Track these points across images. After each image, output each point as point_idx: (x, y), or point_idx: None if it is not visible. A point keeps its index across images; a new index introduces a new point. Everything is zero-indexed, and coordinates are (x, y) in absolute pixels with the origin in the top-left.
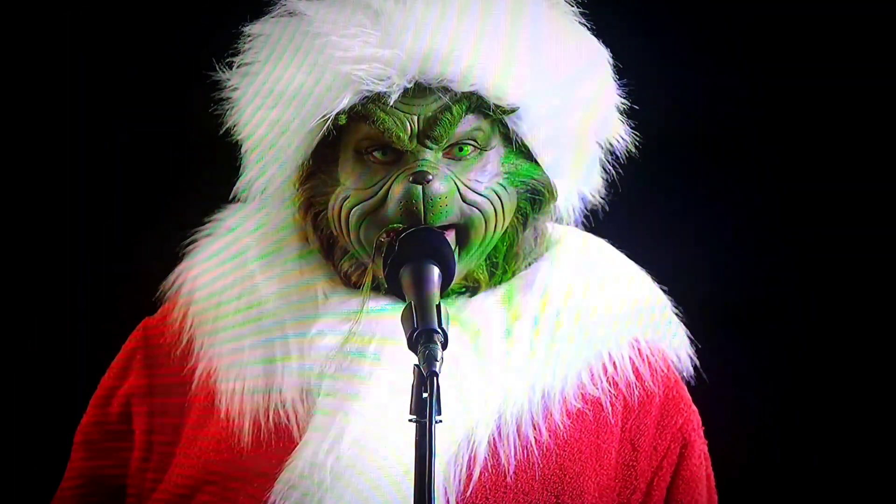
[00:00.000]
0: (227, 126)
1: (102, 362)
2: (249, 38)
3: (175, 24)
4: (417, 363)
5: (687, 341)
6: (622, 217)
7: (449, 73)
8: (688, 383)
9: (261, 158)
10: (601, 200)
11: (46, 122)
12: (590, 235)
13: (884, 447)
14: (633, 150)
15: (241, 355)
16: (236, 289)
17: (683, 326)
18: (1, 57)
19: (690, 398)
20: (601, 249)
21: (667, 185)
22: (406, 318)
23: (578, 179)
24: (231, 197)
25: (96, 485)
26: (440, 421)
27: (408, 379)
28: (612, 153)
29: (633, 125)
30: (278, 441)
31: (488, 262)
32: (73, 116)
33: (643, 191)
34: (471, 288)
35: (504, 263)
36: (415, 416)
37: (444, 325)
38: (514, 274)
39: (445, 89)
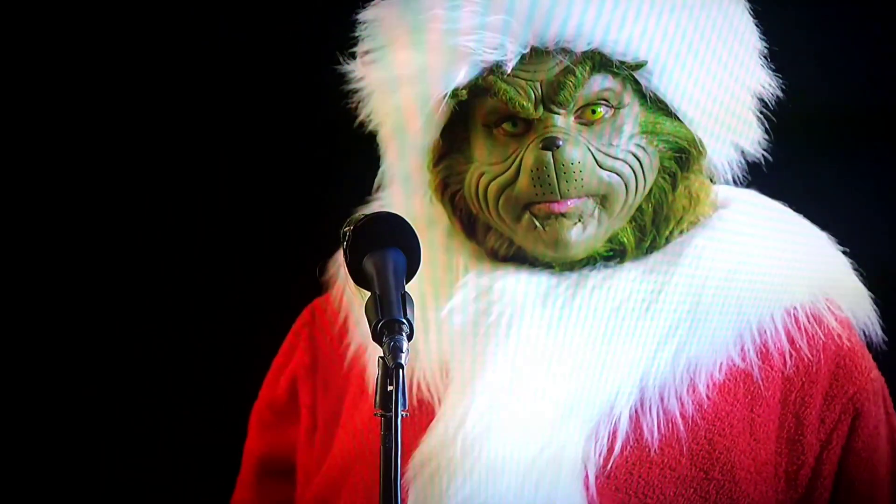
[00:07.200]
0: (361, 118)
1: (275, 346)
2: (364, 26)
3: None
4: (382, 355)
5: (870, 306)
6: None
7: (564, 33)
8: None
9: (395, 145)
10: (765, 154)
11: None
12: (764, 199)
13: None
14: (784, 98)
15: None
16: None
17: (867, 291)
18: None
19: (871, 366)
20: (773, 213)
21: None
22: (370, 309)
23: (731, 133)
24: (376, 187)
25: (270, 464)
26: (406, 414)
27: (534, 354)
28: (767, 104)
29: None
30: (421, 417)
31: (634, 224)
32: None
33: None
34: (617, 252)
35: (653, 228)
36: (380, 410)
37: (409, 315)
38: (667, 240)
39: (565, 51)
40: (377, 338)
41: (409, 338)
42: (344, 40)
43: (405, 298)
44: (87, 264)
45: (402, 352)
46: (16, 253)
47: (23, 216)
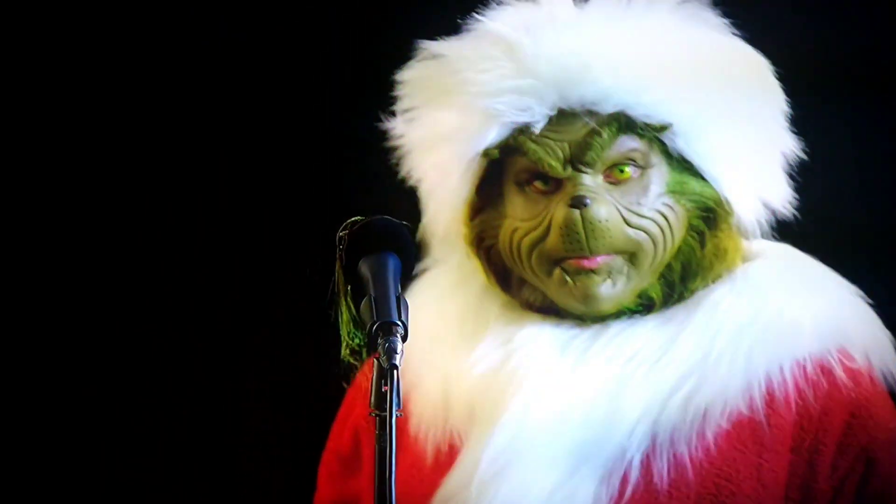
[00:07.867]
0: (402, 174)
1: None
2: (402, 85)
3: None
4: (377, 357)
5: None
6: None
7: (588, 95)
8: None
9: (434, 200)
10: (794, 212)
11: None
12: (795, 252)
13: None
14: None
15: (423, 381)
16: (423, 317)
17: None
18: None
19: (890, 416)
20: (798, 266)
21: None
22: (366, 311)
23: (759, 191)
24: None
25: None
26: (400, 414)
27: (550, 400)
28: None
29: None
30: (451, 461)
31: (663, 280)
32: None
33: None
34: (645, 306)
35: (682, 284)
36: (375, 410)
37: (403, 318)
38: (692, 293)
39: (591, 112)
40: (372, 339)
41: (404, 339)
42: (384, 98)
43: (400, 301)
44: (110, 286)
45: (396, 353)
46: (15, 253)
47: (21, 216)
